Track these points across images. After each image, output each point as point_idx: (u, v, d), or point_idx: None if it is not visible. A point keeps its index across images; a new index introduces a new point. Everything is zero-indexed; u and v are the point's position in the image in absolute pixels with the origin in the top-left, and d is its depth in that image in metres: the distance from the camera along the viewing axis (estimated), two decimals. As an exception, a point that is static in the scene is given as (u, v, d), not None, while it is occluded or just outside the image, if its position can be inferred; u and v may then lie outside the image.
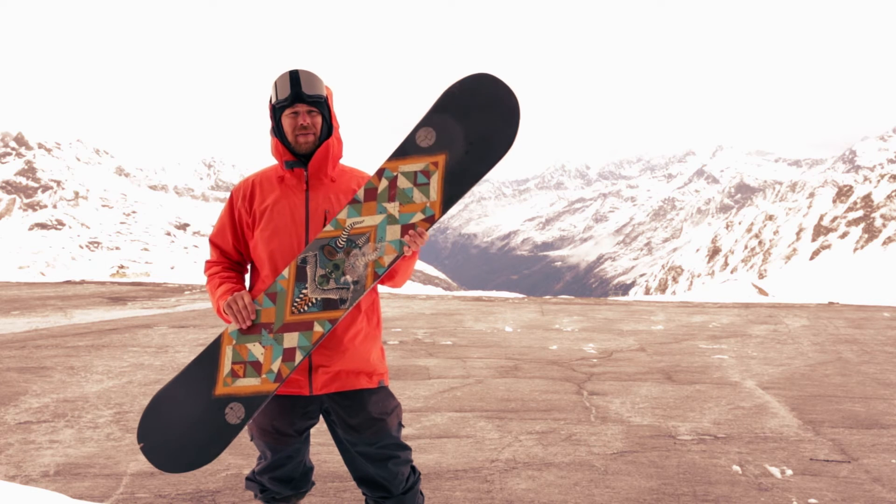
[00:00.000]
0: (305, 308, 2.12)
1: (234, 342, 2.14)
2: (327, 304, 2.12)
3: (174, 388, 2.17)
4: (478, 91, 2.17)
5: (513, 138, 2.15)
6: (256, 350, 2.11)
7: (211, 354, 2.16)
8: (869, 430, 4.23)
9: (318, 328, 2.11)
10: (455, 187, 2.14)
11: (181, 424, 2.11)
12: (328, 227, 2.17)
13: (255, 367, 2.10)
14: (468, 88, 2.17)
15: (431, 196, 2.14)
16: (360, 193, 2.18)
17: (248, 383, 2.09)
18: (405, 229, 2.14)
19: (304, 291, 2.13)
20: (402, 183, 2.16)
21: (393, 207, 2.15)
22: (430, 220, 2.14)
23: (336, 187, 2.32)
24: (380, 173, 2.19)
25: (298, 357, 2.10)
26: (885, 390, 5.30)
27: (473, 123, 2.16)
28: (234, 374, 2.11)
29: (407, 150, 2.18)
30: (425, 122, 2.18)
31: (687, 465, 3.57)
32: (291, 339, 2.11)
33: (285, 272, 2.16)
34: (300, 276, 2.14)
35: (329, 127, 2.30)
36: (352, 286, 2.12)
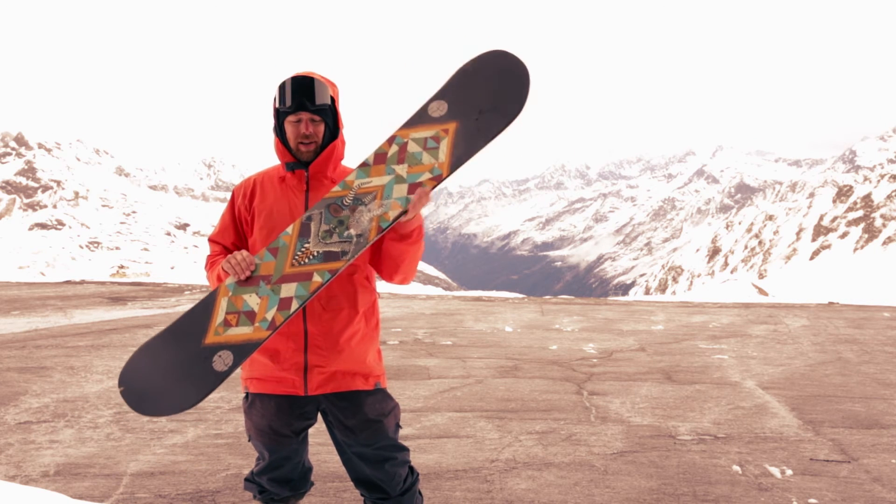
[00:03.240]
0: (306, 261, 2.13)
1: (231, 293, 2.13)
2: (328, 257, 2.13)
3: (163, 336, 2.15)
4: (489, 64, 2.25)
5: (521, 105, 2.21)
6: (252, 300, 2.10)
7: (205, 305, 2.14)
8: (869, 430, 4.23)
9: (317, 278, 2.11)
10: (464, 150, 2.19)
11: (165, 370, 2.09)
12: (336, 188, 2.19)
13: (249, 317, 2.09)
14: (480, 62, 2.25)
15: (440, 157, 2.18)
16: (370, 158, 2.21)
17: (240, 332, 2.08)
18: (412, 188, 2.16)
19: (306, 245, 2.14)
20: (412, 147, 2.20)
21: (401, 168, 2.18)
22: (438, 179, 2.18)
23: (336, 187, 2.32)
24: (391, 140, 2.22)
25: (294, 305, 2.09)
26: (885, 390, 5.29)
27: (484, 93, 2.22)
28: (226, 324, 2.10)
29: (419, 119, 2.24)
30: (438, 95, 2.25)
31: (687, 465, 3.57)
32: (289, 289, 2.11)
33: (289, 229, 2.16)
34: (303, 232, 2.15)
35: (332, 131, 2.29)
36: (355, 238, 2.13)
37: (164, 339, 2.14)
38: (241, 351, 2.07)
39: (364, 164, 2.20)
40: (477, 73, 2.24)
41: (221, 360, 2.06)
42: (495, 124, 2.19)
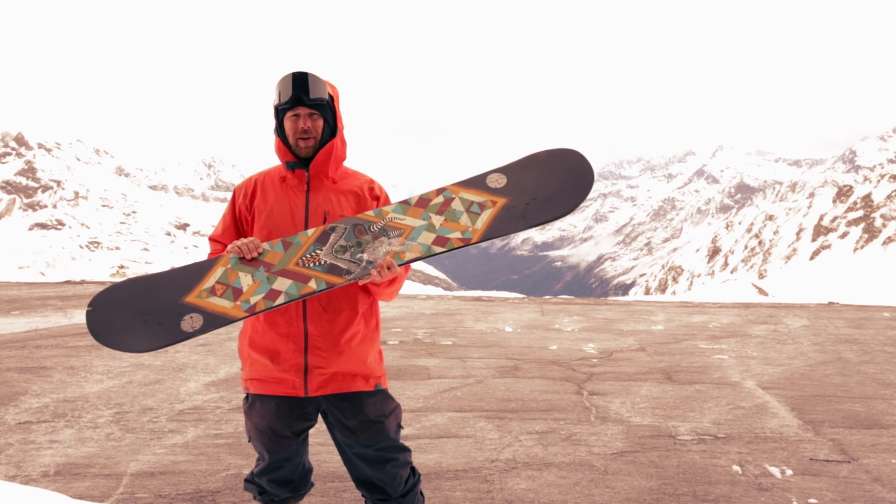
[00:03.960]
0: (311, 265, 2.16)
1: (229, 265, 2.17)
2: (332, 269, 2.16)
3: (150, 279, 2.19)
4: (561, 160, 2.32)
5: (572, 210, 2.27)
6: (245, 280, 2.14)
7: (200, 267, 2.19)
8: (869, 430, 4.23)
9: (312, 284, 2.14)
10: (502, 226, 2.23)
11: (136, 309, 2.13)
12: (370, 213, 2.24)
13: (235, 293, 2.13)
14: (554, 156, 2.33)
15: (477, 224, 2.23)
16: (413, 198, 2.28)
17: (220, 303, 2.11)
18: (439, 240, 2.20)
19: (317, 251, 2.18)
20: (457, 205, 2.25)
21: (437, 219, 2.23)
22: (465, 242, 2.21)
23: (337, 188, 2.32)
24: (440, 191, 2.29)
25: (280, 300, 2.12)
26: (885, 390, 5.29)
27: (544, 184, 2.28)
28: (212, 291, 2.13)
29: (474, 183, 2.30)
30: (502, 170, 2.32)
31: (687, 465, 3.57)
32: (282, 284, 2.14)
33: (310, 231, 2.21)
34: (322, 239, 2.19)
35: (332, 129, 2.29)
36: (364, 263, 2.16)
37: (150, 281, 2.19)
38: (212, 321, 2.10)
39: (405, 202, 2.26)
40: (546, 163, 2.31)
41: (190, 322, 2.10)
42: (541, 215, 2.24)
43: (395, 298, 12.61)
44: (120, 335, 2.09)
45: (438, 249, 2.18)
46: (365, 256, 2.16)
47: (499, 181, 2.28)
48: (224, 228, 2.38)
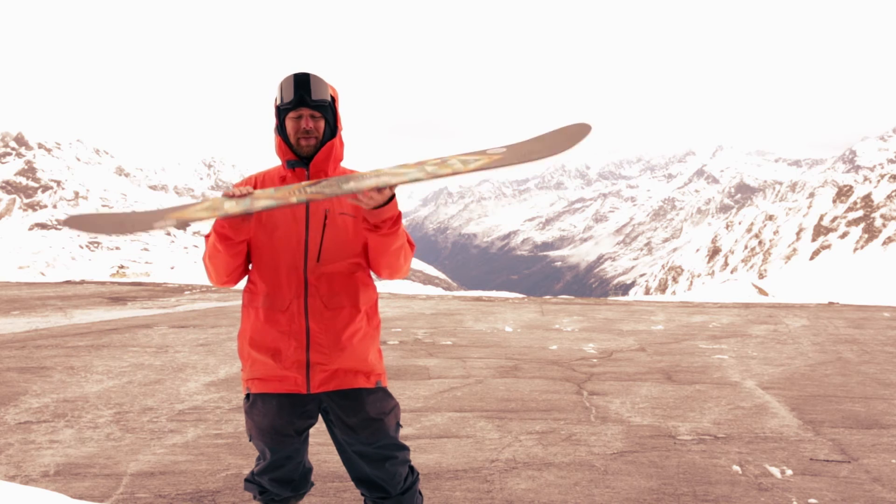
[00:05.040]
0: (296, 192, 2.15)
1: (218, 202, 2.16)
2: (314, 192, 2.14)
3: (131, 211, 2.29)
4: (562, 130, 2.37)
5: (565, 149, 2.28)
6: (230, 206, 2.12)
7: (188, 202, 2.22)
8: (869, 430, 4.23)
9: (292, 199, 2.11)
10: (495, 167, 2.26)
11: (115, 217, 2.21)
12: (365, 172, 2.25)
13: (216, 211, 2.13)
14: (556, 130, 2.37)
15: (470, 164, 2.26)
16: (411, 162, 2.30)
17: (199, 214, 2.12)
18: (430, 175, 2.21)
19: (305, 188, 2.17)
20: (451, 160, 2.28)
21: (431, 167, 2.25)
22: (455, 172, 2.22)
23: (336, 188, 2.33)
24: (441, 159, 2.31)
25: (256, 207, 2.10)
26: (885, 390, 5.29)
27: (542, 147, 2.32)
28: (195, 212, 2.15)
29: (474, 151, 2.35)
30: (505, 146, 2.37)
31: (687, 465, 3.57)
32: (263, 204, 2.12)
33: (304, 183, 2.21)
34: (312, 183, 2.18)
35: (332, 129, 2.31)
36: (349, 186, 2.14)
37: (132, 211, 2.27)
38: (184, 224, 2.11)
39: (404, 164, 2.28)
40: (546, 136, 2.36)
41: (164, 224, 2.12)
42: (533, 155, 2.27)
43: (396, 298, 12.52)
44: (93, 225, 2.16)
45: (426, 178, 2.19)
46: (351, 185, 2.14)
47: (499, 150, 2.35)
48: None
